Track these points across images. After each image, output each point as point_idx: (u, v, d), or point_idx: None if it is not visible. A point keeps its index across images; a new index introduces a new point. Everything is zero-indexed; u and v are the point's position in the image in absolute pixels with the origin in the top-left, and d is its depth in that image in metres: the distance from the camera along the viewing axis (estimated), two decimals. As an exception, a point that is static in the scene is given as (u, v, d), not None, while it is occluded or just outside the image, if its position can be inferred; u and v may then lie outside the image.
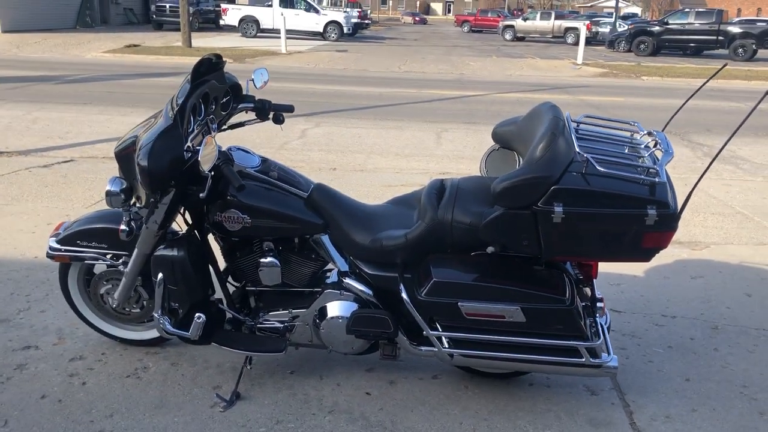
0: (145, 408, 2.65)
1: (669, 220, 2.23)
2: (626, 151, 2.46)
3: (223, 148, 2.62)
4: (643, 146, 2.51)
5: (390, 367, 2.99)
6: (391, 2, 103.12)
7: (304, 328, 2.71)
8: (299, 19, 26.96)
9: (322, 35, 27.51)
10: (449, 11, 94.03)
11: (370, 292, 2.62)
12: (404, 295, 2.52)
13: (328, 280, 2.72)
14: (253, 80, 2.93)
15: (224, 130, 2.93)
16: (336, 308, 2.64)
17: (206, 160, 2.29)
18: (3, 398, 2.67)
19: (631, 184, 2.25)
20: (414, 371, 2.97)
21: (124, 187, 2.52)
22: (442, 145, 7.96)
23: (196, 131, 2.56)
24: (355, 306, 2.63)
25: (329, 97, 11.55)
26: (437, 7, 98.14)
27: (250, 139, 7.45)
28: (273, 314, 2.75)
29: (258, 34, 26.46)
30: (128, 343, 3.07)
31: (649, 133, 2.58)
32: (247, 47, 21.38)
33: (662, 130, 2.66)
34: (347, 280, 2.65)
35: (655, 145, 2.49)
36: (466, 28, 47.34)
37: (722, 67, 2.71)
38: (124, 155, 2.54)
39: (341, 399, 2.76)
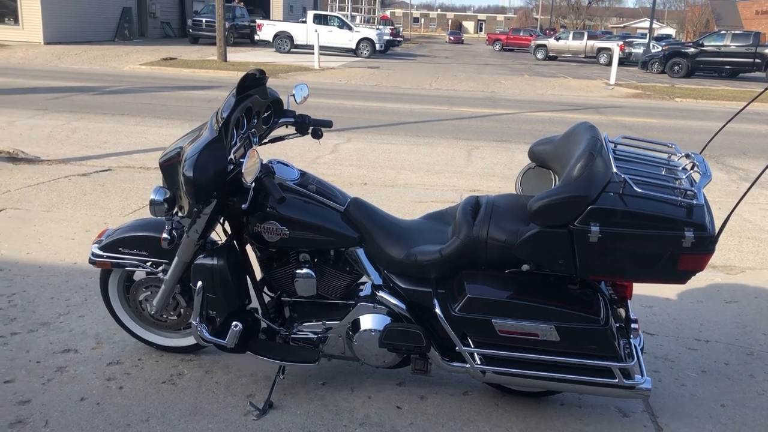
0: (180, 414, 2.70)
1: (706, 242, 2.23)
2: (663, 172, 2.46)
3: (264, 161, 2.68)
4: (680, 168, 2.51)
5: (421, 381, 3.01)
6: (423, 20, 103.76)
7: (337, 339, 2.75)
8: (332, 35, 27.27)
9: (354, 52, 27.77)
10: (481, 29, 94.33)
11: (404, 306, 2.65)
12: (438, 310, 2.54)
13: (362, 293, 2.75)
14: (293, 95, 2.99)
15: (265, 143, 3.00)
16: (369, 321, 2.67)
17: (249, 172, 2.34)
18: (44, 399, 2.75)
19: (668, 205, 2.25)
20: (445, 387, 2.98)
21: (167, 196, 2.59)
22: (472, 163, 7.98)
23: (238, 144, 2.63)
24: (388, 320, 2.66)
25: (361, 113, 11.66)
26: (469, 25, 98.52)
27: (283, 153, 7.55)
28: (307, 325, 2.79)
29: (292, 50, 26.81)
30: (164, 350, 3.14)
31: (687, 156, 2.58)
32: (281, 62, 21.66)
33: (700, 153, 2.65)
34: (381, 294, 2.68)
35: (692, 167, 2.49)
36: (497, 46, 47.39)
37: (764, 90, 2.70)
38: (169, 166, 2.61)
39: (372, 412, 2.78)
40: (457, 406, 2.85)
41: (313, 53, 21.21)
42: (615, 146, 2.62)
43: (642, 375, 2.48)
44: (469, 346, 2.53)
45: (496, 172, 7.56)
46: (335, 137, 9.02)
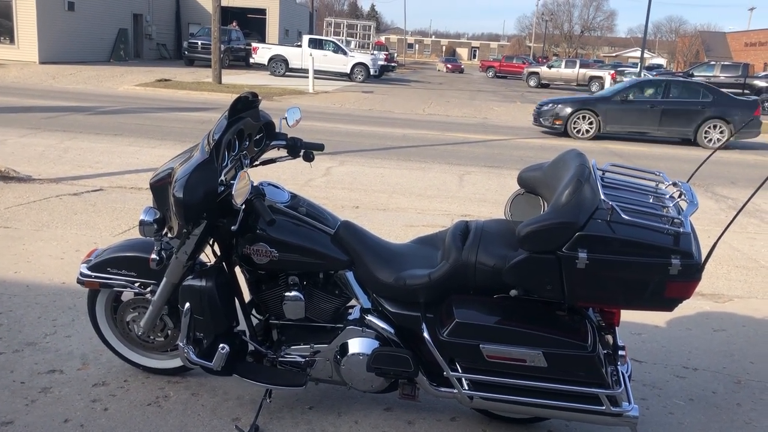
0: (164, 436, 2.67)
1: (693, 270, 2.25)
2: (651, 200, 2.49)
3: (255, 183, 2.69)
4: (667, 196, 2.54)
5: (408, 407, 2.99)
6: (417, 46, 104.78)
7: (325, 363, 2.73)
8: (327, 60, 27.48)
9: (349, 76, 27.97)
10: (474, 56, 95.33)
11: (392, 330, 2.65)
12: (426, 335, 2.53)
13: (351, 317, 2.75)
14: (286, 118, 3.01)
15: (256, 165, 3.01)
16: (357, 345, 2.66)
17: (240, 194, 2.35)
18: (27, 420, 2.71)
19: (655, 233, 2.27)
20: (432, 412, 2.96)
21: (157, 217, 2.59)
22: (464, 188, 8.02)
23: (229, 166, 2.64)
24: (376, 344, 2.65)
25: (354, 137, 11.71)
26: (463, 52, 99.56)
27: (275, 175, 7.57)
28: (295, 348, 2.78)
29: (286, 74, 26.99)
30: (150, 372, 3.11)
31: (674, 184, 2.61)
32: (276, 86, 21.79)
33: (687, 181, 2.68)
34: (369, 317, 2.68)
35: (679, 196, 2.52)
36: (490, 73, 47.86)
37: (749, 121, 2.74)
38: (159, 186, 2.61)
39: (359, 437, 2.76)
40: (445, 431, 2.83)
41: (307, 77, 21.35)
42: (603, 173, 2.64)
43: (629, 402, 2.47)
44: (457, 371, 2.53)
45: (488, 197, 7.59)
46: (328, 160, 9.05)
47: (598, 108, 13.67)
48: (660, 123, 13.50)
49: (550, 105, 14.00)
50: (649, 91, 13.92)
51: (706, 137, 13.39)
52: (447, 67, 54.47)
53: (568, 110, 13.70)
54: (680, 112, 13.47)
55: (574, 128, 13.67)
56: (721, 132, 13.23)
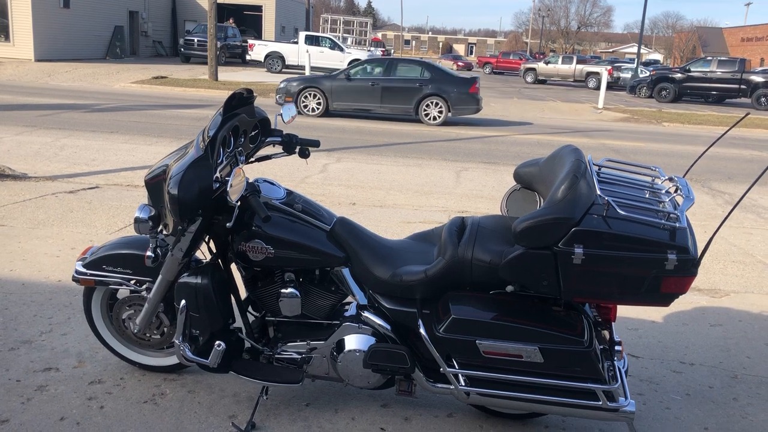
0: (161, 434, 2.67)
1: (689, 265, 2.24)
2: (647, 195, 2.48)
3: (251, 180, 2.68)
4: (663, 191, 2.53)
5: (405, 403, 2.99)
6: (414, 43, 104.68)
7: (322, 360, 2.73)
8: (324, 56, 27.44)
9: (345, 73, 27.91)
10: (471, 53, 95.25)
11: (388, 327, 2.64)
12: (422, 331, 2.53)
13: (347, 313, 2.74)
14: (281, 115, 3.01)
15: (252, 162, 3.00)
16: (354, 342, 2.66)
17: (235, 190, 2.35)
18: (23, 418, 2.71)
19: (651, 228, 2.26)
20: (429, 408, 2.96)
21: (152, 214, 2.58)
22: (461, 184, 8.01)
23: (225, 162, 2.63)
24: (372, 340, 2.65)
25: (350, 133, 11.70)
26: (459, 48, 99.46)
27: (272, 172, 7.56)
28: (291, 345, 2.77)
29: (283, 70, 26.94)
30: (147, 369, 3.10)
31: (670, 179, 2.61)
32: (272, 82, 21.72)
33: (683, 176, 2.68)
34: (366, 314, 2.67)
35: (675, 191, 2.52)
36: (487, 69, 47.82)
37: (744, 116, 2.74)
38: (154, 183, 2.61)
39: (355, 433, 2.76)
40: (442, 427, 2.83)
41: (304, 73, 21.30)
42: (599, 169, 2.64)
43: (626, 398, 2.47)
44: (454, 367, 2.53)
45: (485, 193, 7.59)
46: (325, 157, 9.04)
47: (324, 86, 14.02)
48: (382, 100, 13.89)
49: (284, 84, 14.33)
50: (371, 70, 14.30)
51: (425, 113, 13.86)
52: (458, 65, 51.04)
53: (297, 88, 14.07)
54: (400, 89, 13.88)
55: (303, 105, 14.08)
56: (440, 109, 13.75)
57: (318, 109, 14.05)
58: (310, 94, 14.01)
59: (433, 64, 14.59)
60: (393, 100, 13.86)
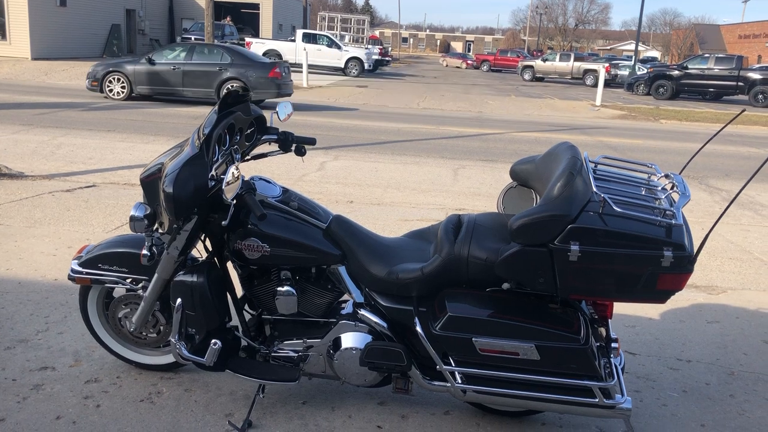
0: (157, 433, 2.66)
1: (685, 262, 2.24)
2: (643, 192, 2.48)
3: (246, 178, 2.67)
4: (659, 188, 2.53)
5: (402, 401, 2.99)
6: (411, 40, 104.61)
7: (318, 358, 2.73)
8: (321, 54, 27.43)
9: (343, 71, 27.92)
10: (469, 50, 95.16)
11: (385, 325, 2.64)
12: (419, 329, 2.53)
13: (343, 311, 2.74)
14: (277, 113, 3.00)
15: (247, 160, 2.99)
16: (350, 339, 2.65)
17: (230, 189, 2.34)
18: (19, 417, 2.70)
19: (647, 225, 2.26)
20: (426, 406, 2.96)
21: (147, 212, 2.57)
22: (458, 182, 8.01)
23: (220, 161, 2.63)
24: (369, 338, 2.64)
25: (348, 132, 11.69)
26: (457, 46, 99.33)
27: (269, 170, 7.55)
28: (287, 343, 2.77)
29: (280, 68, 26.88)
30: (143, 368, 3.10)
31: (666, 176, 2.61)
32: (269, 80, 21.69)
33: (680, 173, 2.68)
34: (362, 312, 2.67)
35: (672, 188, 2.51)
36: (485, 67, 47.79)
37: (740, 113, 2.74)
38: (150, 182, 2.60)
39: (353, 431, 2.75)
40: (438, 425, 2.83)
41: (301, 72, 21.30)
42: (595, 166, 2.64)
43: (622, 394, 2.47)
44: (450, 364, 2.52)
45: (482, 191, 7.59)
46: (322, 155, 9.03)
47: (126, 70, 14.32)
48: (183, 84, 14.19)
49: (92, 68, 14.60)
50: (173, 55, 14.53)
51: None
52: (467, 63, 51.14)
53: (102, 72, 14.34)
54: (201, 73, 14.15)
55: (108, 89, 14.37)
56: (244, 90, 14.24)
57: (122, 92, 14.35)
58: (114, 78, 14.34)
59: (234, 49, 14.98)
60: (194, 84, 14.18)
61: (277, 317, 2.80)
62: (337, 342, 2.67)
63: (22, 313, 3.62)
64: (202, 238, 2.77)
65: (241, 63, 14.13)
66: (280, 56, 27.01)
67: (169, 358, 3.04)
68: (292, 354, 2.76)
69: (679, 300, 4.36)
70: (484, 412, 2.90)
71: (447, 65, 53.43)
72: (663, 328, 3.97)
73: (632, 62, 33.18)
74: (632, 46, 44.96)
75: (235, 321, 2.86)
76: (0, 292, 3.88)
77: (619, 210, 2.26)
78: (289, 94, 14.82)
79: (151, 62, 14.22)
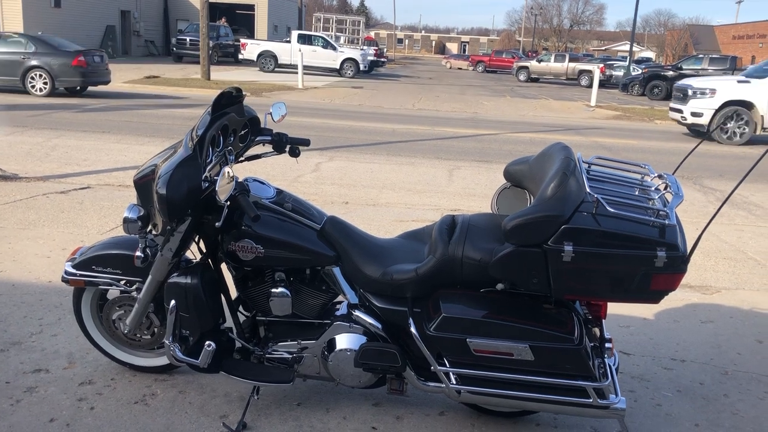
0: (151, 435, 2.66)
1: (678, 262, 2.25)
2: (636, 193, 2.49)
3: (240, 179, 2.67)
4: (653, 189, 2.54)
5: (397, 402, 2.99)
6: (407, 41, 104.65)
7: (313, 359, 2.72)
8: (316, 55, 27.42)
9: (338, 72, 27.91)
10: (464, 51, 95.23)
11: (379, 326, 2.64)
12: (413, 330, 2.53)
13: (338, 312, 2.74)
14: (271, 114, 3.00)
15: (241, 161, 2.99)
16: (345, 341, 2.65)
17: (223, 190, 2.34)
18: (12, 420, 2.69)
19: (641, 225, 2.27)
20: (420, 407, 2.96)
21: (141, 214, 2.57)
22: (453, 182, 8.02)
23: (214, 162, 2.62)
24: (363, 339, 2.64)
25: (343, 132, 11.69)
26: (452, 47, 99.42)
27: (264, 171, 7.54)
28: (282, 345, 2.77)
29: (275, 69, 26.91)
30: (137, 370, 3.09)
31: (660, 176, 2.61)
32: (265, 82, 21.71)
33: (673, 173, 2.69)
34: (357, 313, 2.67)
35: (665, 188, 2.52)
36: (480, 68, 47.83)
37: (732, 114, 2.75)
38: (143, 183, 2.59)
39: (347, 432, 2.75)
40: (433, 426, 2.83)
41: (297, 73, 21.30)
42: (589, 166, 2.64)
43: (616, 395, 2.48)
44: (445, 365, 2.52)
45: (477, 191, 7.59)
46: (317, 156, 9.03)
47: None
48: None
49: None
50: None
51: (31, 85, 14.55)
52: (473, 64, 49.17)
53: None
54: (5, 62, 14.47)
55: None
56: (44, 81, 14.47)
57: None
58: None
59: (39, 38, 15.27)
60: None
61: (271, 319, 2.79)
62: (331, 343, 2.67)
63: (16, 316, 3.61)
64: (196, 239, 2.77)
65: (44, 51, 14.53)
66: (275, 57, 27.01)
67: (163, 360, 3.03)
68: (286, 355, 2.76)
69: (673, 300, 4.38)
70: (479, 413, 2.90)
71: (451, 67, 52.98)
72: (657, 328, 3.98)
73: (627, 63, 33.24)
74: (627, 47, 45.07)
75: (229, 322, 2.86)
76: (-7, 294, 3.87)
77: (612, 210, 2.26)
78: (106, 83, 15.24)
79: None
